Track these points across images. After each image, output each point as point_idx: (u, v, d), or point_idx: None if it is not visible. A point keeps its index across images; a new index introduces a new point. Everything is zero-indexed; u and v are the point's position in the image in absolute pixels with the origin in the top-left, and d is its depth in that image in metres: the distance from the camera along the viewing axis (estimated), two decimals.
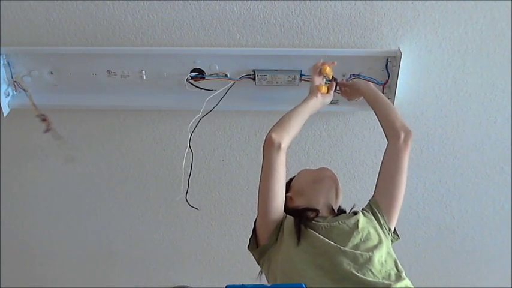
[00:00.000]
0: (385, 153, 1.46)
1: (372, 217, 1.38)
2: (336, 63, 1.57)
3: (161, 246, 2.31)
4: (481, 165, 2.00)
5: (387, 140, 1.47)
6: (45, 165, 2.04)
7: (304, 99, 1.49)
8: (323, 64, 1.55)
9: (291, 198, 1.45)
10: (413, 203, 2.12)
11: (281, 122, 1.37)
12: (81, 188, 2.12)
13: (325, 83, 1.57)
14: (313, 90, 1.51)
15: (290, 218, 1.34)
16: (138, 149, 1.99)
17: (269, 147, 1.31)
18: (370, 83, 1.63)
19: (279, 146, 1.31)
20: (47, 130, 1.75)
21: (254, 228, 1.38)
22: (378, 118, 1.54)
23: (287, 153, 1.95)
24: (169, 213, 2.19)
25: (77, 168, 2.05)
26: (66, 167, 2.03)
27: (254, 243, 1.38)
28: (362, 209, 1.42)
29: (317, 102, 1.49)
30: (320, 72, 1.55)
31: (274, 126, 1.36)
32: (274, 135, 1.32)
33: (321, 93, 1.50)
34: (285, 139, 1.33)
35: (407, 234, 2.20)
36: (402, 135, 1.43)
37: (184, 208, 1.84)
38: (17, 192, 2.14)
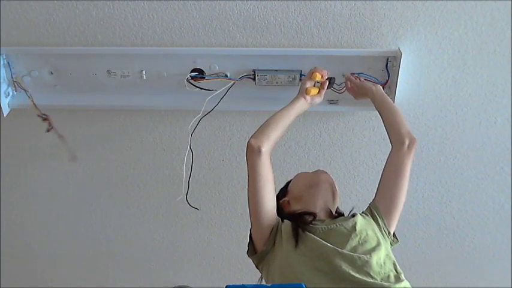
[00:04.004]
0: (388, 158, 1.47)
1: (371, 220, 1.38)
2: (327, 73, 1.58)
3: (161, 246, 2.31)
4: (481, 165, 2.00)
5: (391, 145, 1.48)
6: (45, 165, 2.04)
7: (292, 100, 1.50)
8: (314, 71, 1.55)
9: (288, 202, 1.45)
10: (413, 203, 2.12)
11: (261, 127, 1.39)
12: (81, 188, 2.12)
13: (315, 84, 1.57)
14: (302, 92, 1.52)
15: (288, 223, 1.34)
16: (138, 149, 1.99)
17: (250, 153, 1.33)
18: (380, 86, 1.64)
19: (259, 151, 1.32)
20: (49, 129, 1.75)
21: (250, 235, 1.38)
22: (383, 122, 1.55)
23: (286, 154, 1.97)
24: (169, 213, 2.19)
25: (77, 168, 2.05)
26: (66, 166, 2.03)
27: (252, 249, 1.38)
28: (362, 212, 1.42)
29: (305, 104, 1.51)
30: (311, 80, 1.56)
31: (255, 132, 1.38)
32: (253, 141, 1.33)
33: (310, 96, 1.52)
34: (265, 143, 1.34)
35: (407, 234, 2.20)
36: (406, 142, 1.44)
37: (184, 208, 1.84)
38: (17, 192, 2.14)
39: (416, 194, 2.09)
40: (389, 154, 1.47)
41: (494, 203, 2.12)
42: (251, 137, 1.35)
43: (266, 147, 1.33)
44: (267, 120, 1.41)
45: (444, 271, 2.38)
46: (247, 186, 1.34)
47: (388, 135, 1.51)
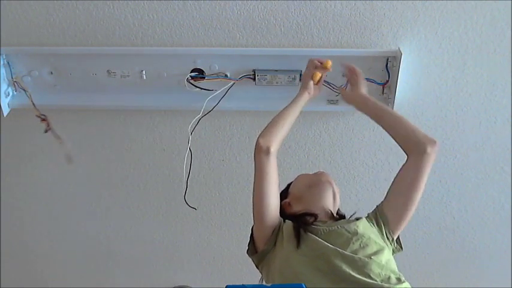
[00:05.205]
0: (404, 166, 1.38)
1: (376, 226, 1.37)
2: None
3: (161, 246, 2.31)
4: (481, 165, 2.00)
5: (407, 154, 1.38)
6: (45, 165, 2.04)
7: (295, 97, 1.49)
8: (326, 61, 1.51)
9: (289, 203, 1.44)
10: None
11: (269, 126, 1.38)
12: (81, 188, 2.12)
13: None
14: (305, 86, 1.50)
15: (289, 223, 1.34)
16: (138, 149, 1.99)
17: (258, 153, 1.32)
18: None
19: (268, 151, 1.32)
20: (47, 130, 1.76)
21: (252, 234, 1.38)
22: (388, 130, 1.43)
23: (286, 154, 1.97)
24: (169, 213, 2.19)
25: (77, 168, 2.05)
26: (66, 166, 2.02)
27: (253, 249, 1.38)
28: (367, 215, 1.40)
29: (307, 98, 1.49)
30: (319, 67, 1.52)
31: (262, 131, 1.37)
32: (261, 140, 1.33)
33: (314, 84, 1.50)
34: (274, 143, 1.34)
35: (408, 234, 2.19)
36: (428, 149, 1.34)
37: (184, 208, 1.84)
38: (17, 192, 2.14)
39: None
40: (406, 163, 1.38)
41: (494, 203, 2.12)
42: (259, 137, 1.34)
43: (274, 147, 1.33)
44: (274, 119, 1.40)
45: (444, 271, 2.38)
46: (253, 185, 1.33)
47: (401, 144, 1.40)
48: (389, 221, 1.37)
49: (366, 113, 1.50)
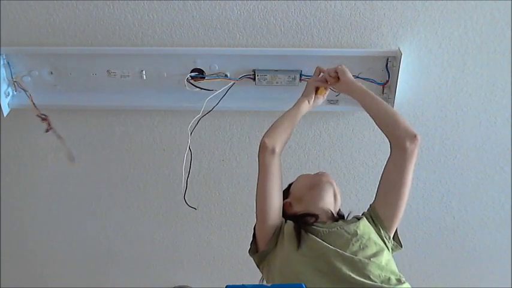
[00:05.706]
0: (388, 162, 1.38)
1: (373, 225, 1.37)
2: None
3: (161, 246, 2.31)
4: (481, 165, 2.00)
5: (390, 147, 1.38)
6: (45, 165, 2.04)
7: (297, 102, 1.50)
8: (334, 74, 1.50)
9: (290, 204, 1.44)
10: (413, 203, 2.11)
11: (274, 127, 1.39)
12: (81, 188, 2.12)
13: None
14: (308, 93, 1.51)
15: (290, 223, 1.34)
16: (138, 149, 1.99)
17: (263, 153, 1.33)
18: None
19: (273, 151, 1.32)
20: (48, 130, 1.76)
21: (254, 234, 1.38)
22: (373, 119, 1.43)
23: (286, 154, 1.97)
24: (169, 213, 2.19)
25: (77, 168, 2.05)
26: (66, 166, 2.03)
27: (254, 248, 1.38)
28: (363, 214, 1.40)
29: (308, 106, 1.51)
30: (323, 79, 1.53)
31: (267, 131, 1.37)
32: (267, 141, 1.33)
33: (317, 95, 1.51)
34: (279, 143, 1.34)
35: (407, 234, 2.20)
36: (407, 144, 1.32)
37: (184, 208, 1.84)
38: (17, 192, 2.14)
39: (416, 194, 2.09)
40: (389, 158, 1.37)
41: (494, 203, 2.12)
42: (264, 137, 1.35)
43: (279, 148, 1.34)
44: (277, 121, 1.41)
45: (444, 271, 2.38)
46: (255, 185, 1.34)
47: (385, 134, 1.39)
48: (382, 219, 1.37)
49: (353, 97, 1.49)
